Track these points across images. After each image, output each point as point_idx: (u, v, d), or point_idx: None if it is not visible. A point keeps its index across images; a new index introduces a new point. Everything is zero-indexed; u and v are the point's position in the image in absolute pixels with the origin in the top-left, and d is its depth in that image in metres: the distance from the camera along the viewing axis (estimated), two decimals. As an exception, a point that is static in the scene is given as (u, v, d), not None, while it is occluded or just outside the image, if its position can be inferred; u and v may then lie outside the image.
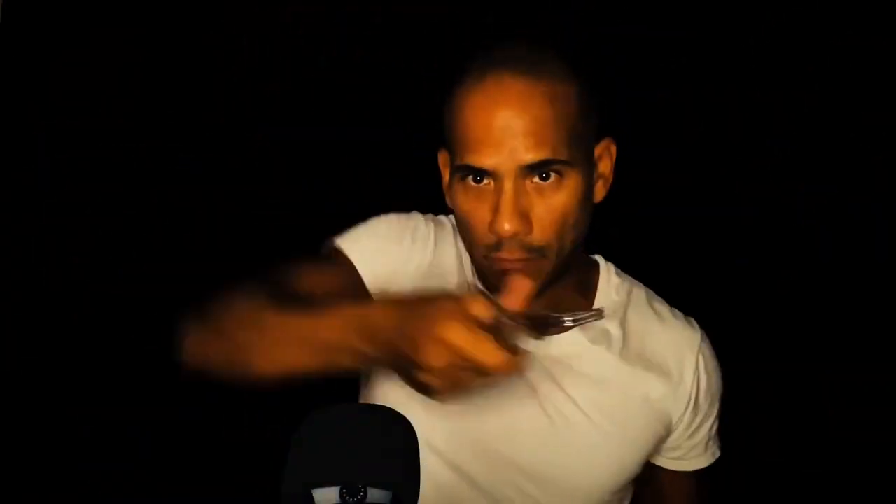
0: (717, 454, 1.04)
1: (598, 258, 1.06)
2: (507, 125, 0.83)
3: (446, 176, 0.94)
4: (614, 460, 0.94)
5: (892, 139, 1.69)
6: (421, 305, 0.66)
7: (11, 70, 1.66)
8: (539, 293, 0.83)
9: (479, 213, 0.87)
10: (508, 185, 0.84)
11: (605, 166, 0.94)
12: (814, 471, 1.71)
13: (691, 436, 1.00)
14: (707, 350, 1.01)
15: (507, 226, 0.83)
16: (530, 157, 0.83)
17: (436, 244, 1.00)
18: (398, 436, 0.50)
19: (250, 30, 1.75)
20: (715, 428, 1.02)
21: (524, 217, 0.84)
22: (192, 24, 1.72)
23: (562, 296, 0.95)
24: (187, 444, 1.69)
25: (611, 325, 0.98)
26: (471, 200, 0.87)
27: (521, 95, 0.84)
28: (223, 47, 1.74)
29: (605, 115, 0.92)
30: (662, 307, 1.04)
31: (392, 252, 0.97)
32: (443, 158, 0.95)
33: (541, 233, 0.86)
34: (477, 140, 0.84)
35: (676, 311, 1.04)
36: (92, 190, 1.72)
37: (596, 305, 0.99)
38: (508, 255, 0.86)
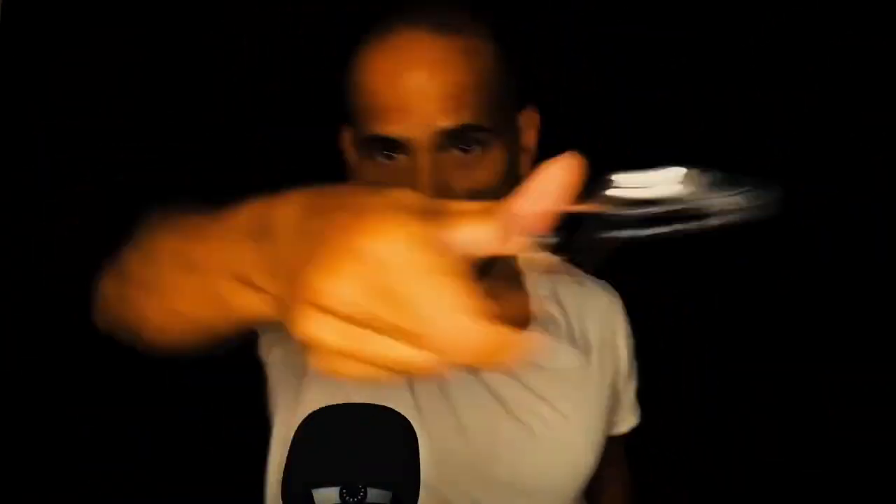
0: (639, 409, 0.98)
1: None
2: (419, 87, 0.72)
3: (352, 157, 0.82)
4: (594, 449, 0.87)
5: (892, 139, 1.69)
6: (344, 196, 0.40)
7: (11, 70, 1.66)
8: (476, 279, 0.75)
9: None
10: (425, 158, 0.72)
11: (529, 138, 0.84)
12: (814, 470, 1.71)
13: (625, 398, 0.95)
14: (624, 309, 0.96)
15: None
16: (449, 122, 0.72)
17: None
18: (398, 436, 0.50)
19: (250, 30, 1.75)
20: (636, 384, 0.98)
21: (445, 195, 0.71)
22: (192, 24, 1.72)
23: (495, 283, 0.83)
24: (187, 444, 1.69)
25: (553, 309, 0.90)
26: (380, 178, 0.75)
27: (435, 53, 0.73)
28: (223, 47, 1.74)
29: (528, 83, 0.84)
30: (579, 275, 0.96)
31: None
32: (346, 137, 0.83)
33: None
34: (386, 106, 0.72)
35: (589, 275, 0.97)
36: (92, 190, 1.72)
37: (528, 287, 0.91)
38: None
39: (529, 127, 0.84)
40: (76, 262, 1.73)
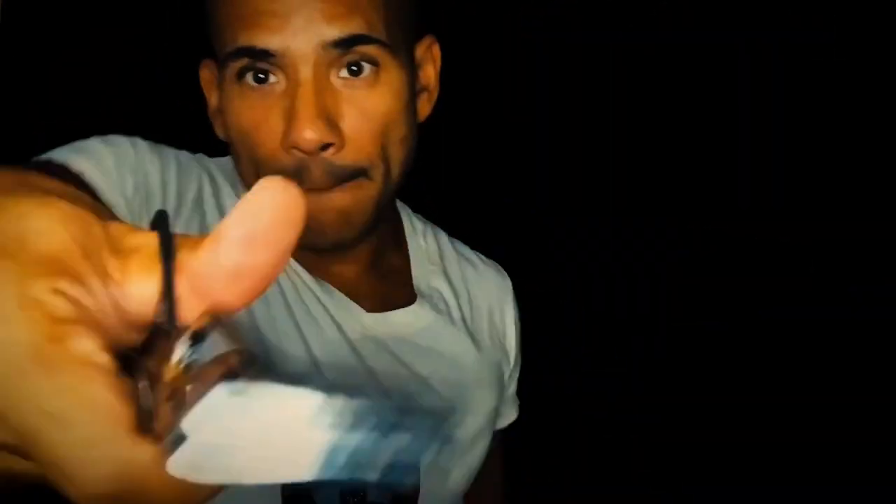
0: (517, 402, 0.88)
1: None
2: None
3: (212, 96, 0.69)
4: (481, 446, 0.77)
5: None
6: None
7: (11, 70, 1.66)
8: (361, 239, 0.67)
9: (266, 124, 0.61)
10: (307, 75, 0.59)
11: (428, 74, 0.71)
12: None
13: (508, 391, 0.84)
14: (513, 294, 0.86)
15: (308, 133, 0.58)
16: (335, 31, 0.59)
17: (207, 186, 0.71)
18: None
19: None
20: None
21: (331, 123, 0.60)
22: (191, 24, 1.72)
23: (379, 244, 0.74)
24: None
25: (440, 284, 0.79)
26: (252, 108, 0.62)
27: None
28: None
29: (426, 5, 0.72)
30: (467, 251, 0.86)
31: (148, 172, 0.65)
32: (206, 73, 0.70)
33: (357, 146, 0.62)
34: (256, 9, 0.59)
35: (479, 254, 0.87)
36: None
37: (412, 258, 0.79)
38: (315, 182, 0.61)
39: (429, 61, 0.71)
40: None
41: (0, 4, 1.49)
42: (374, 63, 0.62)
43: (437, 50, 0.72)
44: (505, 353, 0.83)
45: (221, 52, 0.63)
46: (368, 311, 0.72)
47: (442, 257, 0.82)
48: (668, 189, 1.75)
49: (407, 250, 0.80)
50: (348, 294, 0.72)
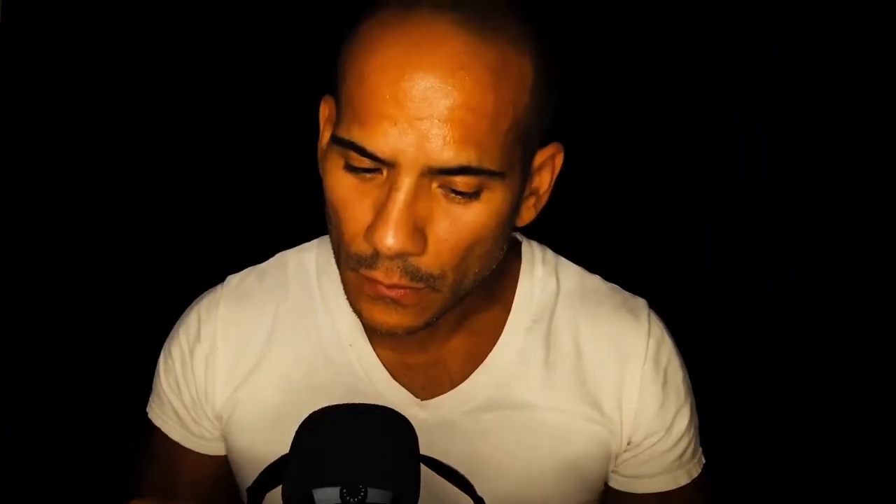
0: (694, 471, 0.78)
1: (522, 238, 0.79)
2: (425, 96, 0.56)
3: (325, 137, 0.67)
4: None
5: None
6: None
7: (11, 70, 1.66)
8: (417, 331, 0.65)
9: (357, 208, 0.60)
10: (406, 185, 0.58)
11: (543, 181, 0.67)
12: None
13: (650, 458, 0.76)
14: (659, 355, 0.76)
15: (390, 240, 0.57)
16: (445, 157, 0.57)
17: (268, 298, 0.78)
18: (398, 435, 0.50)
19: (251, 29, 1.75)
20: (687, 441, 0.77)
21: (418, 232, 0.59)
22: (191, 24, 1.72)
23: (465, 311, 0.72)
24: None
25: (530, 342, 0.74)
26: (349, 189, 0.61)
27: (458, 55, 0.56)
28: (223, 47, 1.74)
29: (560, 110, 0.67)
30: (602, 300, 0.77)
31: (195, 390, 0.78)
32: (326, 109, 0.67)
33: (436, 258, 0.61)
34: (377, 113, 0.57)
35: (623, 302, 0.77)
36: (91, 190, 1.72)
37: (515, 309, 0.76)
38: (384, 277, 0.60)
39: (547, 168, 0.67)
40: (77, 262, 1.73)
41: (0, 4, 1.49)
42: (479, 188, 0.59)
43: (559, 159, 0.67)
44: (611, 427, 0.74)
45: (338, 122, 0.61)
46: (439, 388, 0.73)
47: (553, 310, 0.76)
48: (666, 190, 1.75)
49: (510, 301, 0.75)
50: (409, 370, 0.74)
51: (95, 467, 1.67)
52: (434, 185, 0.59)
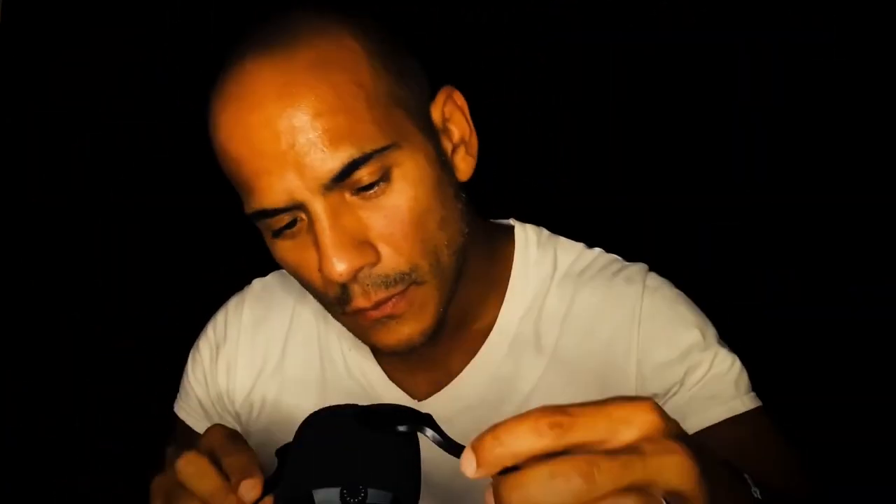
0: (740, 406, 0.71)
1: (515, 224, 0.78)
2: (277, 133, 0.57)
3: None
4: None
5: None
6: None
7: (11, 70, 1.66)
8: (435, 332, 0.64)
9: (305, 263, 0.62)
10: (319, 211, 0.58)
11: (458, 126, 0.66)
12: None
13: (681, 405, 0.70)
14: (650, 308, 0.71)
15: (338, 267, 0.58)
16: (329, 167, 0.57)
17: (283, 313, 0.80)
18: (399, 436, 0.50)
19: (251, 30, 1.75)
20: (715, 381, 0.70)
21: (361, 245, 0.59)
22: (192, 24, 1.72)
23: (463, 306, 0.70)
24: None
25: (522, 331, 0.72)
26: (289, 251, 0.62)
27: (279, 82, 0.58)
28: (223, 47, 1.74)
29: (436, 60, 0.67)
30: (597, 272, 0.74)
31: (223, 384, 0.80)
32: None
33: (395, 254, 0.60)
34: (252, 173, 0.59)
35: (619, 271, 0.74)
36: (91, 190, 1.72)
37: (508, 299, 0.73)
38: (366, 301, 0.61)
39: (453, 113, 0.66)
40: (77, 262, 1.73)
41: (0, 4, 1.49)
42: (383, 169, 0.59)
43: (458, 97, 0.66)
44: (626, 390, 0.69)
45: (244, 208, 0.63)
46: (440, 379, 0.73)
47: (548, 290, 0.73)
48: (666, 190, 1.75)
49: (504, 289, 0.74)
50: (409, 370, 0.74)
51: (95, 468, 1.67)
52: (345, 194, 0.59)
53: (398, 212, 0.60)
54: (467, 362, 0.73)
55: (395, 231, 0.60)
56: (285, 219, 0.60)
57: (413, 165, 0.60)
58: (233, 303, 0.84)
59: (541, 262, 0.75)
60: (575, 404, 0.37)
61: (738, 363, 0.73)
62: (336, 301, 0.62)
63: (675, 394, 0.71)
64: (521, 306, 0.74)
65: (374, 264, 0.60)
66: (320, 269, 0.59)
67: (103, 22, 1.69)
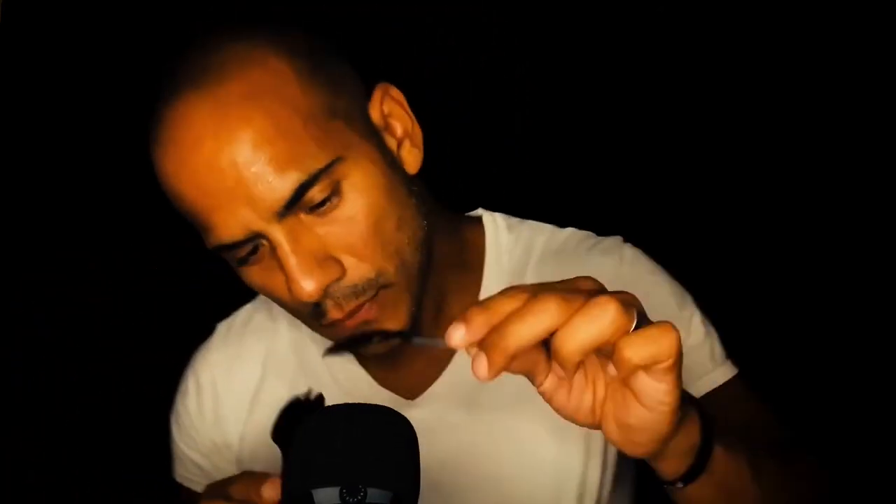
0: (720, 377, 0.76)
1: (482, 212, 0.79)
2: (222, 168, 0.57)
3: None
4: (582, 458, 0.73)
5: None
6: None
7: (11, 70, 1.66)
8: (413, 322, 0.65)
9: (275, 286, 0.63)
10: (278, 237, 0.59)
11: (400, 120, 0.66)
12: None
13: None
14: (629, 276, 0.73)
15: (307, 287, 0.59)
16: (280, 192, 0.58)
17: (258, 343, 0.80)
18: (398, 435, 0.50)
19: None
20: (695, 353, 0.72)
21: (324, 261, 0.60)
22: (191, 24, 1.72)
23: (438, 296, 0.72)
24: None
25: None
26: (257, 277, 0.64)
27: (215, 120, 0.58)
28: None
29: (367, 59, 0.67)
30: (573, 249, 0.75)
31: (212, 435, 0.81)
32: None
33: (359, 264, 0.61)
34: (204, 209, 0.60)
35: (594, 245, 0.76)
36: (91, 190, 1.72)
37: (485, 285, 0.74)
38: (340, 313, 0.62)
39: (391, 110, 0.66)
40: (77, 262, 1.73)
41: (0, 4, 1.49)
42: (332, 185, 0.60)
43: (395, 92, 0.67)
44: None
45: (208, 247, 0.64)
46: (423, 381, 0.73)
47: (525, 270, 0.74)
48: (666, 190, 1.75)
49: (480, 276, 0.74)
50: (393, 372, 0.74)
51: (95, 468, 1.67)
52: (300, 215, 0.60)
53: (354, 222, 0.61)
54: (454, 352, 0.73)
55: (355, 241, 0.61)
56: (247, 248, 0.61)
57: (361, 174, 0.61)
58: (199, 356, 0.84)
59: (514, 245, 0.76)
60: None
61: (713, 331, 0.77)
62: (311, 316, 0.64)
63: None
64: (498, 289, 0.74)
65: (341, 277, 0.61)
66: (290, 291, 0.60)
67: (103, 22, 1.69)
